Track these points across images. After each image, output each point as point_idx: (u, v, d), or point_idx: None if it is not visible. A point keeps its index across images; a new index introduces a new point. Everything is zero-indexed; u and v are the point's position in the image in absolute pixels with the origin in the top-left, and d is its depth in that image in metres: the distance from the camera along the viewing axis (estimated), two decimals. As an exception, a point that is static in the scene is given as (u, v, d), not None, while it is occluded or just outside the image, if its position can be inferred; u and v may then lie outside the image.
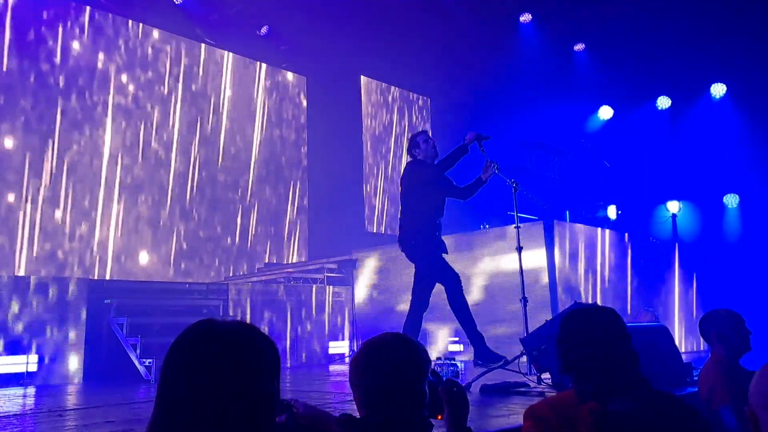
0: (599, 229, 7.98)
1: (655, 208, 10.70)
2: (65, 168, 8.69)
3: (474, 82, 11.40)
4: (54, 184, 8.57)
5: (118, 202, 9.15)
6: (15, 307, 5.77)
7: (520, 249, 5.11)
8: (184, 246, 9.81)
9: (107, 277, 8.71)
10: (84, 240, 8.76)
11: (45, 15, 8.65)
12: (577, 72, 11.13)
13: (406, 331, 5.15)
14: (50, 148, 8.60)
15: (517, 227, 5.20)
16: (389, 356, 1.76)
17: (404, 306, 7.86)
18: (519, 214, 5.24)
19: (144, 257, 9.34)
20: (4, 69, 8.23)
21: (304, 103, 11.72)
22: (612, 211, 9.75)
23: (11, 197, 8.19)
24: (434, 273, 5.26)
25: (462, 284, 5.25)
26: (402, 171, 5.44)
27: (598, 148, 9.60)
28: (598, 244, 7.60)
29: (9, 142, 8.25)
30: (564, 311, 3.94)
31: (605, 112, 11.52)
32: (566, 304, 6.12)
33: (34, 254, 8.26)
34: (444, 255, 5.33)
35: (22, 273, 7.95)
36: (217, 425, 1.13)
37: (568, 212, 9.67)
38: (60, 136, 8.70)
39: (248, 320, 7.37)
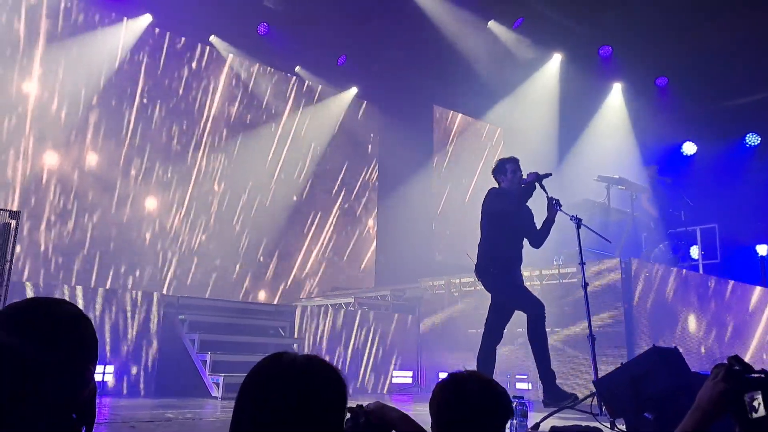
0: (682, 270, 7.61)
1: (742, 250, 10.11)
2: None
3: (551, 113, 11.24)
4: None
5: (198, 223, 9.49)
6: (93, 319, 6.05)
7: (585, 285, 4.95)
8: (256, 267, 10.04)
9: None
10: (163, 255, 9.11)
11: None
12: (659, 106, 10.78)
13: (479, 363, 5.01)
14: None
15: (582, 263, 5.03)
16: (465, 398, 1.71)
17: (470, 336, 7.73)
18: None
19: (216, 278, 9.60)
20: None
21: (376, 130, 11.87)
22: (695, 252, 9.29)
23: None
24: (512, 304, 5.09)
25: (545, 316, 4.99)
26: (483, 198, 5.22)
27: (681, 185, 9.20)
28: (678, 285, 7.23)
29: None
30: (642, 354, 3.75)
31: (689, 148, 11.08)
32: (643, 347, 5.83)
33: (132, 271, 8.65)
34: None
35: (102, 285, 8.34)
36: None
37: (646, 250, 9.28)
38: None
39: (311, 342, 7.44)
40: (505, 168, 5.18)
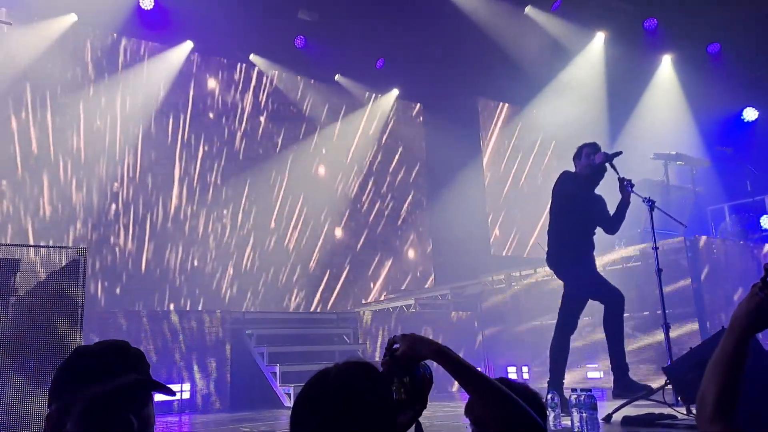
0: (750, 243, 7.29)
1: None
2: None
3: (599, 93, 10.95)
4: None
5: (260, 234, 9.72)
6: (168, 339, 6.30)
7: (659, 271, 4.77)
8: (318, 276, 10.18)
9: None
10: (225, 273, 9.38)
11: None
12: (713, 74, 10.32)
13: (552, 353, 4.87)
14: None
15: (655, 248, 4.86)
16: None
17: (535, 328, 7.63)
18: (660, 231, 4.89)
19: (283, 288, 9.81)
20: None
21: (421, 129, 11.85)
22: (766, 222, 8.85)
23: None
24: (587, 294, 4.93)
25: (623, 306, 4.81)
26: (554, 182, 5.06)
27: (743, 153, 8.78)
28: (748, 259, 6.92)
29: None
30: (712, 336, 3.62)
31: (750, 114, 10.58)
32: (714, 329, 5.62)
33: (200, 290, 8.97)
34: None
35: (171, 306, 8.66)
36: None
37: (713, 225, 8.92)
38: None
39: (375, 346, 7.49)
40: (581, 152, 5.02)
